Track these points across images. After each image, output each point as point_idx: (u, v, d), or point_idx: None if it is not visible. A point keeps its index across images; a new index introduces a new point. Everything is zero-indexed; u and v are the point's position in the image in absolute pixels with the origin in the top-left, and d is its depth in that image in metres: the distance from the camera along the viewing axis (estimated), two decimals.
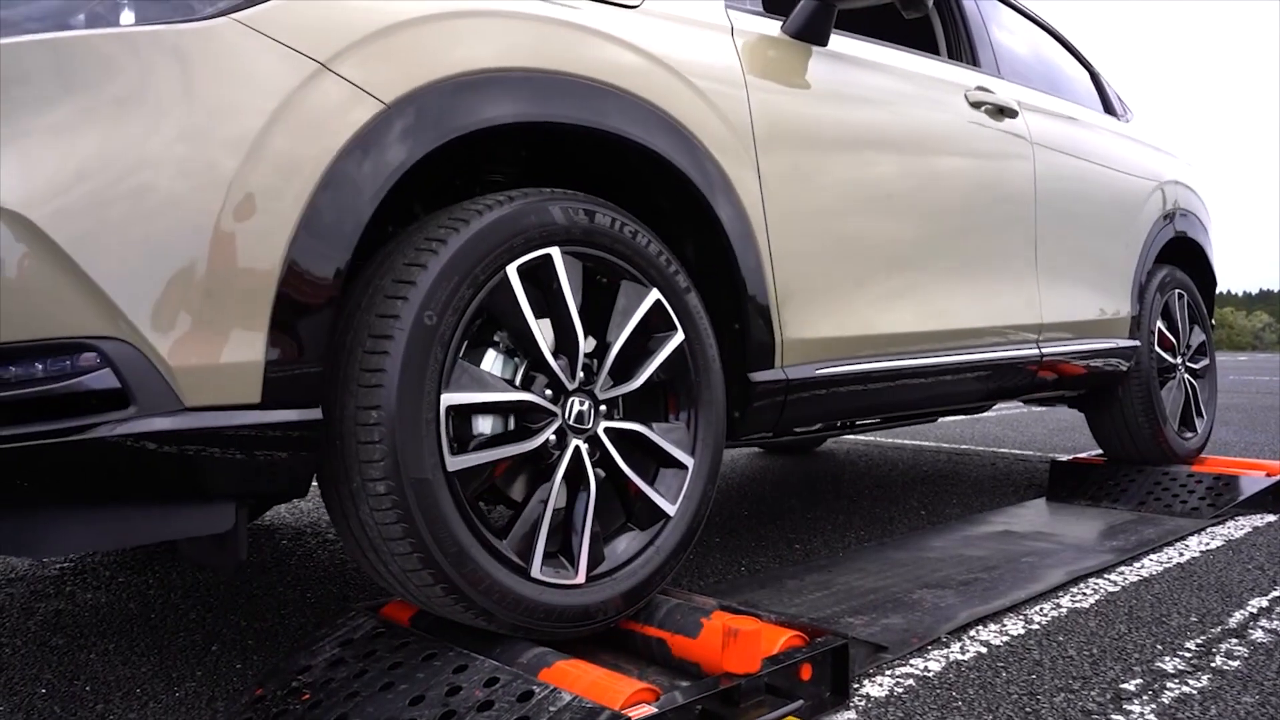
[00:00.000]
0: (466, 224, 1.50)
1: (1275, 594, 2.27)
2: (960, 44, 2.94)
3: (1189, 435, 3.70)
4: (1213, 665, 1.82)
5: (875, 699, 1.66)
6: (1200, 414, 3.82)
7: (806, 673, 1.60)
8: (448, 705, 1.38)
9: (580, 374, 1.64)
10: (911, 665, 1.83)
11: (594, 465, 1.65)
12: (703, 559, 2.66)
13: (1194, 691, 1.69)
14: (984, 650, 1.91)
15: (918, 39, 2.86)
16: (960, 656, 1.87)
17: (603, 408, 1.67)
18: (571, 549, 1.62)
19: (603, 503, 1.67)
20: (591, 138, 1.72)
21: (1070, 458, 3.84)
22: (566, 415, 1.62)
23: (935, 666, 1.82)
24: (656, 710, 1.37)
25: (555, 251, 1.60)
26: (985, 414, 6.97)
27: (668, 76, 1.82)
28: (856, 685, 1.72)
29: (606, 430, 1.68)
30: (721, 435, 1.86)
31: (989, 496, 3.62)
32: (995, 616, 2.11)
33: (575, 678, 1.43)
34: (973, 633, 2.01)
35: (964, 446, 5.17)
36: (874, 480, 4.02)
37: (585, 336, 1.64)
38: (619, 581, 1.67)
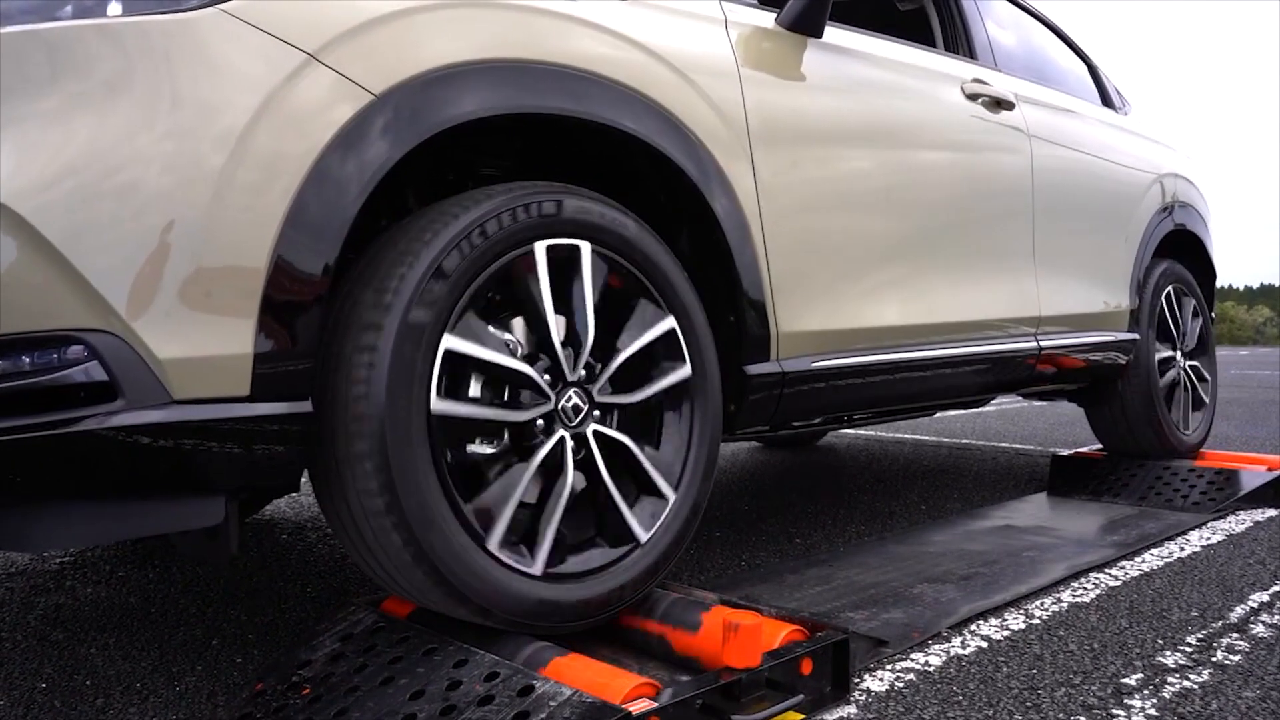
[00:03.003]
0: (456, 219, 1.50)
1: (1276, 589, 2.27)
2: (956, 36, 2.92)
3: (1189, 429, 3.70)
4: (1214, 660, 1.82)
5: (876, 693, 1.66)
6: (1200, 407, 3.81)
7: (807, 667, 1.60)
8: (448, 700, 1.37)
9: (582, 371, 1.63)
10: (912, 660, 1.83)
11: (577, 465, 1.63)
12: (703, 553, 2.66)
13: (1195, 686, 1.69)
14: (985, 645, 1.91)
15: (913, 31, 2.85)
16: (961, 651, 1.87)
17: (596, 412, 1.66)
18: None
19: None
20: (585, 130, 1.71)
21: (1071, 452, 3.84)
22: (560, 407, 1.61)
23: (936, 661, 1.82)
24: (657, 705, 1.36)
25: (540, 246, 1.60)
26: (985, 408, 6.96)
27: (661, 69, 1.82)
28: (857, 679, 1.72)
29: (595, 434, 1.66)
30: (717, 430, 1.85)
31: (990, 491, 3.62)
32: (996, 611, 2.11)
33: (576, 672, 1.42)
34: (973, 627, 2.01)
35: (964, 441, 5.16)
36: (874, 475, 4.02)
37: (586, 330, 1.64)
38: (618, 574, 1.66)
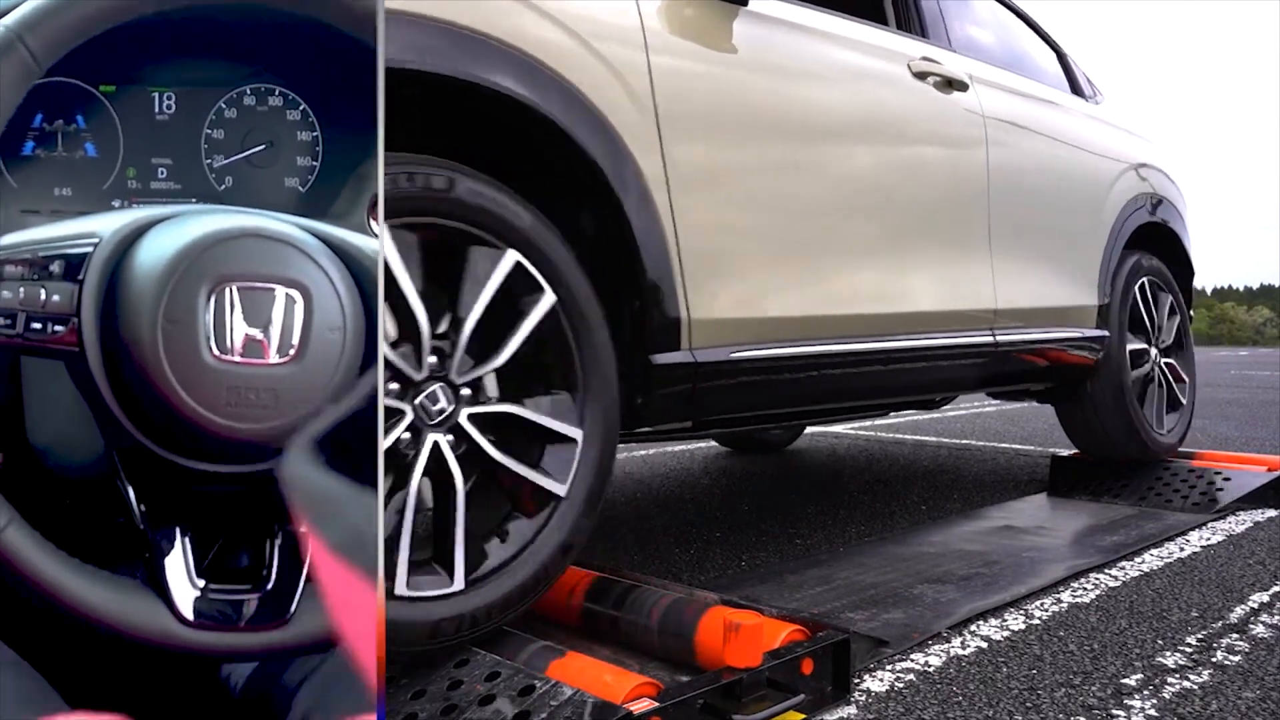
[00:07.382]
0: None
1: (1276, 589, 2.27)
2: (907, 13, 2.74)
3: (1165, 429, 3.60)
4: (1213, 660, 1.82)
5: (876, 694, 1.67)
6: (1177, 406, 3.71)
7: (808, 667, 1.60)
8: (449, 699, 1.38)
9: (432, 359, 1.49)
10: (912, 660, 1.83)
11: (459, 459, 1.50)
12: (703, 554, 2.66)
13: (1195, 687, 1.69)
14: (984, 645, 1.91)
15: (865, 10, 2.62)
16: (961, 651, 1.88)
17: (464, 392, 1.52)
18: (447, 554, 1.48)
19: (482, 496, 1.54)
20: (470, 95, 1.56)
21: (1071, 453, 3.83)
22: (418, 408, 1.47)
23: (936, 661, 1.82)
24: (658, 705, 1.37)
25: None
26: (985, 409, 6.96)
27: (554, 30, 1.66)
28: (857, 680, 1.72)
29: (471, 417, 1.52)
30: (613, 425, 1.69)
31: (990, 491, 3.62)
32: (996, 611, 2.11)
33: (576, 672, 1.43)
34: (973, 628, 2.01)
35: (964, 441, 5.17)
36: (874, 475, 4.02)
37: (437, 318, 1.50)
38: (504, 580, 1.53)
